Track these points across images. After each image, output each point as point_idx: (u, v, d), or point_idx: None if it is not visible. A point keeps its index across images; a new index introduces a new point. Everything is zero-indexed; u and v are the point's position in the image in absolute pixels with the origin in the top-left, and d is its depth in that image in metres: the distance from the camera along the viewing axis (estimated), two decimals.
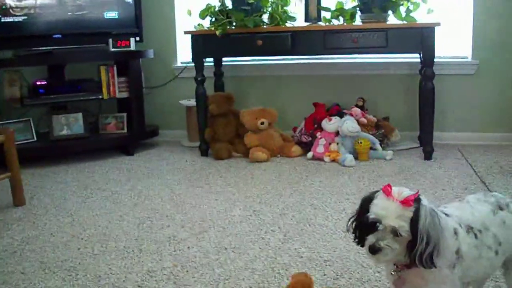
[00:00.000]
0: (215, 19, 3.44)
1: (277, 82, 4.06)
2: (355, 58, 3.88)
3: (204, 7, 3.48)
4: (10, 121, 3.57)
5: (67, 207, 2.69)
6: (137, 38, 3.86)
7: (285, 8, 3.47)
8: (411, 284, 1.21)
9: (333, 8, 3.41)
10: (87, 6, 3.70)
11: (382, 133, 3.54)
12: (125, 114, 3.85)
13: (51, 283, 1.85)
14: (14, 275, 1.92)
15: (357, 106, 3.67)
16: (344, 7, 3.39)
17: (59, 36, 3.67)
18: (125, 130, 3.84)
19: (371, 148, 3.41)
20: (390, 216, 1.13)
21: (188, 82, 3.82)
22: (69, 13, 3.67)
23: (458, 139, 3.75)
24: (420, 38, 3.13)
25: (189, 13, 3.52)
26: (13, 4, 3.52)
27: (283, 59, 4.03)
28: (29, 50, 3.62)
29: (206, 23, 3.51)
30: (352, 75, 3.91)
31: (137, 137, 3.91)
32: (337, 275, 1.82)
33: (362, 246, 1.20)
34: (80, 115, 3.70)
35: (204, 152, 3.67)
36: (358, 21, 3.36)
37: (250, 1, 3.36)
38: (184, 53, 4.15)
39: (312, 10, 3.47)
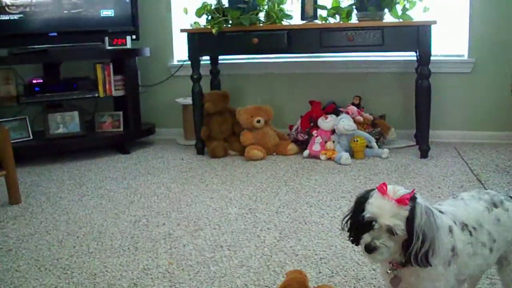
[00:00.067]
0: (211, 17, 3.44)
1: (273, 80, 4.06)
2: (351, 56, 3.88)
3: (200, 5, 3.48)
4: (6, 119, 3.56)
5: (63, 205, 2.68)
6: (133, 36, 3.85)
7: (281, 6, 3.47)
8: (406, 282, 1.21)
9: (329, 6, 3.42)
10: (83, 4, 3.70)
11: (378, 131, 3.55)
12: (121, 113, 3.85)
13: (46, 281, 1.85)
14: (9, 273, 1.92)
15: (353, 104, 3.67)
16: (340, 5, 3.40)
17: (55, 34, 3.66)
18: (121, 129, 3.84)
19: (367, 146, 3.41)
20: (386, 215, 1.12)
21: (184, 80, 3.82)
22: (65, 11, 3.67)
23: (454, 137, 3.76)
24: (416, 36, 3.14)
25: (185, 11, 3.52)
26: (8, 2, 3.51)
27: (279, 57, 4.02)
28: (25, 48, 3.61)
29: (202, 21, 3.51)
30: (348, 73, 3.91)
31: (133, 136, 3.91)
32: (332, 272, 1.82)
33: (358, 244, 1.20)
34: (76, 113, 3.70)
35: (200, 150, 3.67)
36: (354, 19, 3.37)
37: None
38: (180, 51, 4.14)
39: (308, 8, 3.48)
